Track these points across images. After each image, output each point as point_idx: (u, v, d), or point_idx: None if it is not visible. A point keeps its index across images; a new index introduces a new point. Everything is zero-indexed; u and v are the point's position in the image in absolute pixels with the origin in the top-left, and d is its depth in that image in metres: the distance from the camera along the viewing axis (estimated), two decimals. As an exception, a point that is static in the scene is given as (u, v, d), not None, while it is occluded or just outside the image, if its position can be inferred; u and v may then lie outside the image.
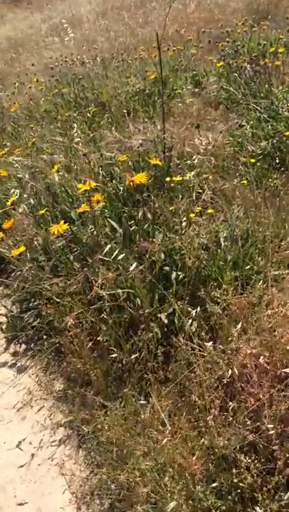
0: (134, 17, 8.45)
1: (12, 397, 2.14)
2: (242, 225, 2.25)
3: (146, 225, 2.31)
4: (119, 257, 2.18)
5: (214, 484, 1.37)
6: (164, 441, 1.41)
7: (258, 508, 1.28)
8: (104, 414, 1.69)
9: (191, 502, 1.34)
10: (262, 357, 1.53)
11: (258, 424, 1.42)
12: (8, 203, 2.35)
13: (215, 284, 2.03)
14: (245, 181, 2.42)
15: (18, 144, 3.91)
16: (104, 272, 2.06)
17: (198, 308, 1.94)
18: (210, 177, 2.46)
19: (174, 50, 5.31)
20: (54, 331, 2.23)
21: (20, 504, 1.70)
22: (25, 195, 2.78)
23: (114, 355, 1.93)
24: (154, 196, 2.47)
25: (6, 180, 3.21)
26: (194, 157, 2.81)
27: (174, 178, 2.32)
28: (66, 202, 2.77)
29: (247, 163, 2.80)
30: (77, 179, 2.98)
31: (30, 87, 5.23)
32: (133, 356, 1.91)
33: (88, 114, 4.19)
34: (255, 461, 1.32)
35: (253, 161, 2.76)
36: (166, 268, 2.11)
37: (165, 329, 1.96)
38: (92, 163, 3.10)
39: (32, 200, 2.78)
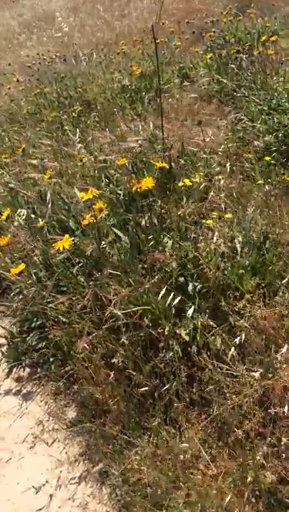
0: (109, 10, 8.23)
1: (21, 429, 1.96)
2: (257, 227, 2.11)
3: (154, 233, 2.14)
4: (129, 270, 2.03)
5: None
6: (207, 482, 1.26)
7: None
8: (130, 450, 1.53)
9: None
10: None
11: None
12: (3, 217, 2.16)
13: (236, 293, 1.88)
14: (260, 181, 2.26)
15: (1, 149, 3.69)
16: (117, 287, 1.89)
17: (221, 322, 1.79)
18: (220, 177, 2.30)
19: (157, 43, 5.12)
20: (62, 353, 2.06)
21: None
22: (19, 208, 2.58)
23: (133, 379, 1.77)
24: (160, 200, 2.31)
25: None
26: (197, 156, 2.65)
27: (185, 182, 2.15)
28: (62, 210, 2.59)
29: (252, 160, 2.65)
30: (71, 185, 2.80)
31: (9, 88, 5.00)
32: (154, 379, 1.75)
33: (74, 114, 3.98)
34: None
35: (258, 156, 2.61)
36: (181, 279, 1.95)
37: (186, 347, 1.80)
38: (86, 167, 2.91)
39: (25, 211, 2.59)
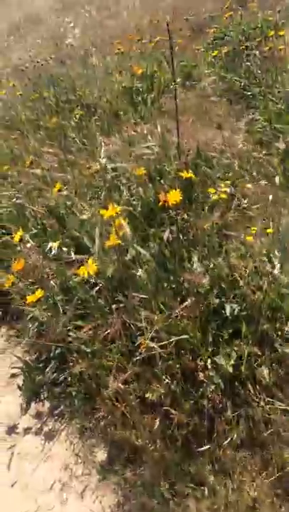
0: (98, 9, 8.01)
1: (47, 475, 1.77)
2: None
3: (180, 249, 1.96)
4: (157, 292, 1.84)
5: None
6: None
7: None
8: (176, 503, 1.35)
9: None
10: None
11: None
12: (16, 239, 1.96)
13: (281, 316, 1.70)
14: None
15: (1, 159, 3.48)
16: (147, 313, 1.71)
17: (268, 350, 1.61)
18: (247, 185, 2.12)
19: (156, 42, 4.93)
20: (86, 386, 1.87)
21: None
22: (28, 225, 2.38)
23: (171, 417, 1.59)
24: (182, 211, 2.12)
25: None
26: (215, 160, 2.47)
27: (216, 194, 1.96)
28: (75, 226, 2.39)
29: (274, 163, 2.47)
30: (82, 197, 2.60)
31: (3, 93, 4.78)
32: (196, 417, 1.57)
33: (75, 119, 3.78)
34: None
35: (280, 158, 2.44)
36: (216, 300, 1.76)
37: (230, 379, 1.62)
38: (95, 177, 2.72)
39: (34, 229, 2.39)
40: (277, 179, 2.35)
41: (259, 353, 1.59)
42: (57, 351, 2.03)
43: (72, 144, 3.38)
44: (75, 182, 2.74)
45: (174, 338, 1.60)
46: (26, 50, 6.60)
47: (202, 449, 1.51)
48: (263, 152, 2.58)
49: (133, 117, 3.86)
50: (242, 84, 3.41)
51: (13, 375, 2.20)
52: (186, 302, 1.74)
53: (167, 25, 2.24)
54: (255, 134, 2.70)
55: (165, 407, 1.59)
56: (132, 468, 1.62)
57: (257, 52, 3.33)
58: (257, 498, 1.31)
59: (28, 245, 2.00)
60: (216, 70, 3.85)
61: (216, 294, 1.75)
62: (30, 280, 2.08)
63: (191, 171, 2.26)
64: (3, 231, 2.62)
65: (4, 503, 1.70)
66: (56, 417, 1.98)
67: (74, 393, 1.92)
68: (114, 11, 7.79)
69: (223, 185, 1.98)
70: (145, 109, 3.94)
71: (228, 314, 1.69)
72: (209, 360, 1.57)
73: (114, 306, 1.91)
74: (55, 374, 2.01)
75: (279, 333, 1.66)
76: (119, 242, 1.70)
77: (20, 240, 1.94)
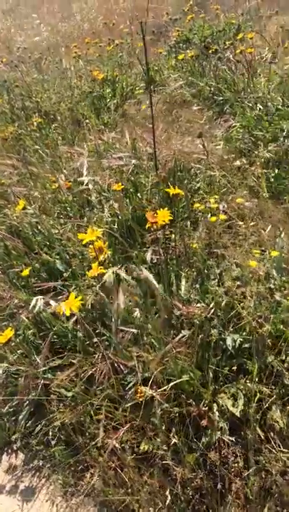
0: (50, 12, 7.73)
1: None
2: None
3: (167, 272, 1.75)
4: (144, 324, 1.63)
5: None
6: None
7: None
8: None
9: None
10: None
11: None
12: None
13: (286, 345, 1.52)
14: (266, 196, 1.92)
15: None
16: (138, 350, 1.49)
17: (276, 387, 1.43)
18: (240, 200, 1.94)
19: (115, 45, 4.73)
20: (66, 433, 1.63)
21: None
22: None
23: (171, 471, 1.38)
24: (168, 229, 1.92)
25: None
26: (193, 171, 2.29)
27: (197, 206, 1.77)
28: (43, 247, 2.14)
29: (256, 173, 2.32)
30: (48, 215, 2.35)
31: None
32: (201, 470, 1.36)
33: (33, 127, 3.51)
34: None
35: (262, 168, 2.29)
36: (214, 331, 1.57)
37: (236, 422, 1.43)
38: (62, 192, 2.48)
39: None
40: (261, 190, 2.20)
41: (268, 392, 1.41)
42: (31, 394, 1.77)
43: (32, 155, 3.11)
44: (40, 198, 2.48)
45: (172, 381, 1.39)
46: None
47: None
48: (243, 161, 2.42)
49: (96, 124, 3.64)
50: (211, 89, 3.25)
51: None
52: (181, 335, 1.54)
53: (141, 24, 2.04)
54: (233, 142, 2.54)
55: (164, 461, 1.38)
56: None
57: (226, 55, 3.19)
58: None
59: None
60: (181, 74, 3.69)
61: (213, 324, 1.56)
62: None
63: (172, 185, 2.07)
64: None
65: None
66: (33, 472, 1.72)
67: (53, 443, 1.67)
68: (67, 13, 7.53)
69: (212, 200, 1.80)
70: (108, 116, 3.73)
71: (229, 347, 1.49)
72: (215, 405, 1.37)
73: (96, 340, 1.69)
74: (29, 422, 1.75)
75: (286, 365, 1.48)
76: (104, 270, 1.47)
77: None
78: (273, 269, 1.66)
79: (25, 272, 1.76)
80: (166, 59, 4.27)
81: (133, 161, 2.19)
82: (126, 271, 1.91)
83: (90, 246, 1.67)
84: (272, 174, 2.28)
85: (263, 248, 1.81)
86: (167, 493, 1.33)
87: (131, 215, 2.08)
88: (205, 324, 1.53)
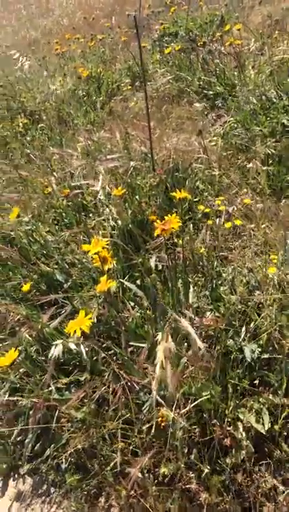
0: (28, 7, 7.53)
1: None
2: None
3: (173, 278, 1.66)
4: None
5: None
6: None
7: None
8: None
9: None
10: None
11: None
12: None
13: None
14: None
15: None
16: (150, 366, 1.40)
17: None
18: (247, 201, 1.86)
19: (97, 40, 4.60)
20: (77, 456, 1.53)
21: None
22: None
23: (197, 497, 1.30)
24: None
25: None
26: (191, 170, 2.20)
27: (201, 208, 1.68)
28: (41, 257, 2.04)
29: (256, 169, 2.24)
30: (43, 222, 2.25)
31: None
32: (228, 495, 1.29)
33: (18, 128, 3.38)
34: None
35: (262, 164, 2.21)
36: (230, 342, 1.49)
37: (262, 439, 1.36)
38: (55, 196, 2.37)
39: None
40: (262, 188, 2.12)
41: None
42: (38, 415, 1.67)
43: (20, 158, 2.99)
44: (33, 204, 2.37)
45: (190, 398, 1.31)
46: None
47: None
48: (242, 158, 2.34)
49: (83, 124, 3.52)
50: (201, 83, 3.16)
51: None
52: (195, 348, 1.46)
53: (134, 20, 1.95)
54: (230, 138, 2.46)
55: (187, 485, 1.30)
56: None
57: (216, 48, 3.10)
58: None
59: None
60: (168, 68, 3.58)
61: (230, 334, 1.48)
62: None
63: (170, 186, 1.99)
64: None
65: None
66: (43, 498, 1.62)
67: (63, 467, 1.58)
68: (45, 8, 7.35)
69: (218, 202, 1.71)
70: (95, 114, 3.62)
71: (248, 359, 1.42)
72: (238, 422, 1.29)
73: (104, 355, 1.60)
74: (37, 445, 1.65)
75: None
76: (113, 283, 1.38)
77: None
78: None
79: (26, 288, 1.66)
80: (151, 53, 4.16)
81: (131, 163, 2.09)
82: (131, 280, 1.83)
83: (94, 256, 1.57)
84: (273, 170, 2.21)
85: (272, 249, 1.74)
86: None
87: (131, 220, 1.99)
88: (221, 335, 1.45)
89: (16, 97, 3.77)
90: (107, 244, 1.54)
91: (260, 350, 1.44)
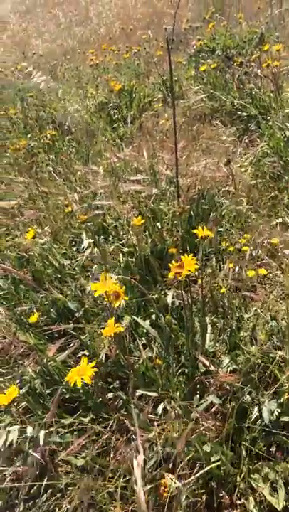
0: (66, 14, 7.56)
1: None
2: None
3: (190, 319, 1.54)
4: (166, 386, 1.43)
5: None
6: None
7: None
8: None
9: None
10: None
11: None
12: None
13: None
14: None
15: None
16: (164, 425, 1.30)
17: None
18: (275, 241, 1.73)
19: (132, 52, 4.54)
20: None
21: None
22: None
23: None
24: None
25: None
26: (217, 199, 2.09)
27: (224, 244, 1.57)
28: (54, 281, 1.96)
29: (288, 203, 2.12)
30: (60, 243, 2.17)
31: None
32: None
33: (46, 139, 3.33)
34: None
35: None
36: (247, 398, 1.37)
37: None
38: (75, 216, 2.29)
39: (2, 287, 1.94)
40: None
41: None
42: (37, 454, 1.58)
43: (44, 171, 2.93)
44: (52, 223, 2.29)
45: (198, 462, 1.19)
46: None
47: None
48: (274, 189, 2.21)
49: (112, 138, 3.45)
50: (235, 104, 3.05)
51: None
52: (208, 402, 1.34)
53: (166, 40, 1.86)
54: (261, 166, 2.33)
55: None
56: None
57: (252, 69, 2.98)
58: None
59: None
60: (205, 86, 3.48)
61: (247, 390, 1.35)
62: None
63: (185, 211, 1.88)
64: None
65: None
66: None
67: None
68: (84, 16, 7.37)
69: (243, 240, 1.59)
70: (124, 130, 3.54)
71: (266, 421, 1.29)
72: (249, 494, 1.17)
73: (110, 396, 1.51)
74: (34, 487, 1.56)
75: None
76: (121, 329, 1.28)
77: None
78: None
79: (33, 319, 1.57)
80: (186, 69, 4.07)
81: (154, 190, 1.99)
82: (146, 314, 1.73)
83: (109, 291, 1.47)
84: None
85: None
86: None
87: (150, 250, 1.89)
88: (238, 391, 1.33)
89: (46, 107, 3.74)
90: (116, 282, 1.45)
91: (279, 410, 1.32)
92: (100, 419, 1.47)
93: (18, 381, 1.60)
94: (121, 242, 2.10)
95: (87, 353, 1.64)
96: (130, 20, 6.08)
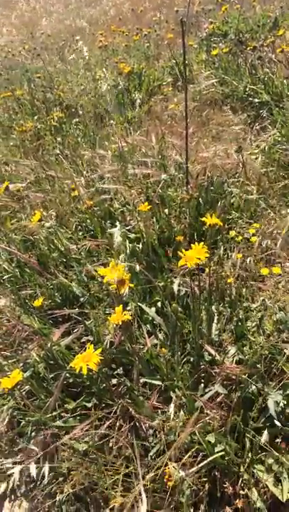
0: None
1: None
2: None
3: (196, 307, 1.52)
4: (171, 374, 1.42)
5: None
6: None
7: None
8: None
9: None
10: None
11: None
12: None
13: None
14: None
15: None
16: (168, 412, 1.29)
17: None
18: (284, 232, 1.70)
19: (142, 35, 4.46)
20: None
21: None
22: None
23: None
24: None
25: None
26: (230, 187, 2.05)
27: (232, 234, 1.54)
28: (59, 265, 1.94)
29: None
30: (66, 227, 2.15)
31: None
32: None
33: (53, 122, 3.29)
34: None
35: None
36: (252, 388, 1.35)
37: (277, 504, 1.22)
38: (81, 199, 2.26)
39: (7, 271, 1.92)
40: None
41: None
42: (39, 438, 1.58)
43: (50, 154, 2.89)
44: (58, 207, 2.27)
45: (202, 454, 1.19)
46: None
47: None
48: (285, 178, 2.17)
49: (120, 122, 3.40)
50: (247, 89, 2.99)
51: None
52: (213, 391, 1.33)
53: (181, 21, 1.81)
54: (273, 154, 2.29)
55: None
56: None
57: (266, 54, 2.92)
58: None
59: (1, 303, 1.53)
60: (214, 71, 3.42)
61: (253, 380, 1.34)
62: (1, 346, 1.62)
63: (193, 198, 1.85)
64: None
65: None
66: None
67: (61, 498, 1.48)
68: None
69: (251, 230, 1.56)
70: (133, 113, 3.49)
71: (271, 412, 1.28)
72: (252, 484, 1.16)
73: (114, 384, 1.50)
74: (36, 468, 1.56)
75: None
76: (129, 317, 1.26)
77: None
78: None
79: (38, 303, 1.55)
80: (197, 53, 4.00)
81: (163, 176, 1.96)
82: (151, 301, 1.71)
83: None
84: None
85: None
86: None
87: (157, 236, 1.86)
88: (244, 382, 1.32)
89: (53, 89, 3.68)
90: (124, 269, 1.43)
91: (285, 402, 1.30)
92: (104, 405, 1.46)
93: (21, 365, 1.60)
94: (127, 228, 2.07)
95: (91, 339, 1.62)
96: (141, 2, 5.96)
